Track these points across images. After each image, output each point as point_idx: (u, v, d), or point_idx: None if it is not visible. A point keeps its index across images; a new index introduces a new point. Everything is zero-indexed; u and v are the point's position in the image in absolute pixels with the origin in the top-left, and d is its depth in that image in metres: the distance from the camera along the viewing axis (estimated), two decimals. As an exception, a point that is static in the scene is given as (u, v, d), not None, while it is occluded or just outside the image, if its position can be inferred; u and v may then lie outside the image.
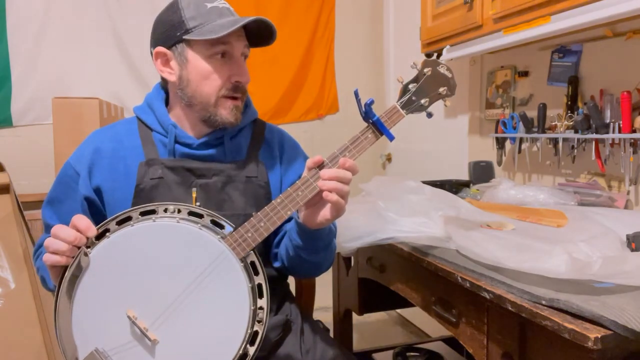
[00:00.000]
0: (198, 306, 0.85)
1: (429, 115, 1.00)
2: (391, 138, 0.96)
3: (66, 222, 1.07)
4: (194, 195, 1.03)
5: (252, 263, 0.88)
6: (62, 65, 2.46)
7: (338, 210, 0.91)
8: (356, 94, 0.96)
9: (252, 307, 0.85)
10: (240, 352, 0.85)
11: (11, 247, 1.91)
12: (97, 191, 1.06)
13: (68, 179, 1.07)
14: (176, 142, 1.06)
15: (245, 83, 1.05)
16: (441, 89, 0.99)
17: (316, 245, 1.01)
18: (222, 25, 0.98)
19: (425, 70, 0.98)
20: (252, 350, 0.86)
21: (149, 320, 0.84)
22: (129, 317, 0.84)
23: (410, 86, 0.98)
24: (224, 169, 1.06)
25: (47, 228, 1.09)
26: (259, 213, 0.89)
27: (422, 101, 0.98)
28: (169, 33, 1.02)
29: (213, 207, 1.02)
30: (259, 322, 0.86)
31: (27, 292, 1.85)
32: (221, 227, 0.88)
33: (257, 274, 0.88)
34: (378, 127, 0.95)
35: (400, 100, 0.97)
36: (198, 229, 0.86)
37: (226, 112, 1.03)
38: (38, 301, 1.84)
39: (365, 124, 0.95)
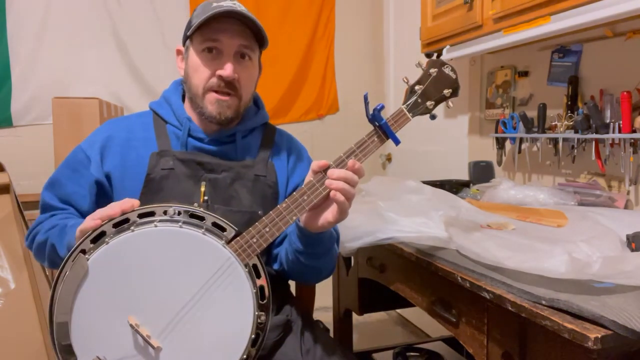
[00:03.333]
0: (203, 314, 0.84)
1: (433, 117, 0.99)
2: (397, 142, 0.94)
3: (64, 202, 1.07)
4: (202, 189, 1.03)
5: (255, 266, 0.87)
6: (62, 65, 2.46)
7: (342, 213, 0.91)
8: (365, 98, 0.94)
9: (256, 313, 0.85)
10: (244, 356, 0.85)
11: (11, 247, 1.91)
12: (107, 177, 1.06)
13: (77, 164, 1.07)
14: (189, 135, 1.07)
15: (228, 78, 1.02)
16: (446, 91, 0.98)
17: (316, 249, 1.01)
18: (207, 19, 0.99)
19: (431, 71, 0.96)
20: (253, 352, 0.86)
21: (152, 328, 0.82)
22: (130, 325, 0.82)
23: (416, 88, 0.96)
24: (234, 166, 1.07)
25: (46, 208, 1.08)
26: (264, 218, 0.88)
27: (428, 103, 0.96)
28: (184, 32, 1.08)
29: (220, 202, 1.03)
30: (260, 324, 0.86)
31: (27, 292, 1.84)
32: (223, 229, 0.86)
33: (259, 276, 0.87)
34: (384, 131, 0.93)
35: (407, 103, 0.95)
36: (201, 234, 0.84)
37: (210, 105, 1.04)
38: (38, 301, 1.84)
39: (371, 127, 0.94)
